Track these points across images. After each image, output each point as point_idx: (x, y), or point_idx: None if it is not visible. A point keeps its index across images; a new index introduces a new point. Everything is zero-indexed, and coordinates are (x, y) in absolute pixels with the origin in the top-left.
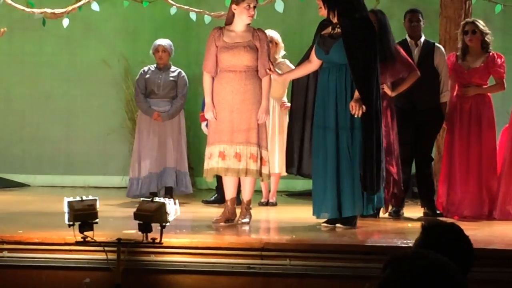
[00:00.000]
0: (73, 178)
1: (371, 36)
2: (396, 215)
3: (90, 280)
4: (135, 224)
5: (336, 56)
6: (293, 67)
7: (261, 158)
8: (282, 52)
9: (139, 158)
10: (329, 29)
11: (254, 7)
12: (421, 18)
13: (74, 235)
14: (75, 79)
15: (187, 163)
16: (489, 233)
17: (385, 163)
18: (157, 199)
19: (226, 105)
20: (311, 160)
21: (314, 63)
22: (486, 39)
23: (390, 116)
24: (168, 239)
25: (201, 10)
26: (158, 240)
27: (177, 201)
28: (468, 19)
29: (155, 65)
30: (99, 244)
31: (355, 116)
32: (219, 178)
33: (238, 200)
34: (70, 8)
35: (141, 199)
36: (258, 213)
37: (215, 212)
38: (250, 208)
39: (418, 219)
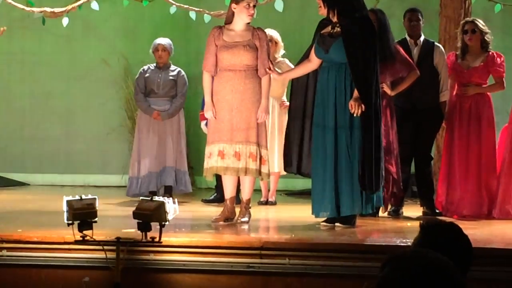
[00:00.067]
0: (73, 177)
1: (371, 36)
2: (396, 214)
3: (89, 279)
4: (135, 223)
5: (335, 55)
6: (292, 66)
7: (261, 157)
8: (282, 51)
9: (138, 157)
10: (329, 28)
11: (254, 6)
12: (420, 18)
13: (73, 234)
14: (75, 78)
15: (187, 162)
16: (488, 232)
17: (385, 162)
18: (156, 198)
19: (226, 104)
20: (311, 159)
21: (313, 62)
22: (485, 38)
23: (389, 115)
24: (168, 238)
25: (201, 9)
26: (157, 239)
27: (176, 200)
28: (467, 19)
29: (154, 64)
30: (98, 243)
31: (354, 115)
32: (218, 177)
33: (237, 199)
34: (69, 7)
35: (141, 198)
36: (258, 212)
37: (214, 211)
38: (250, 207)
39: (417, 218)
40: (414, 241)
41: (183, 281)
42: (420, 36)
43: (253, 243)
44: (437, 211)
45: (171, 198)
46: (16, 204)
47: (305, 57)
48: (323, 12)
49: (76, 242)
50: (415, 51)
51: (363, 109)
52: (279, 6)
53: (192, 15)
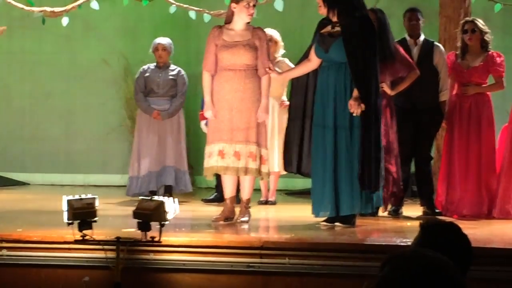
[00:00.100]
0: (73, 177)
1: (370, 35)
2: (395, 214)
3: (89, 278)
4: (134, 222)
5: (335, 55)
6: (292, 66)
7: (261, 157)
8: (282, 51)
9: (138, 157)
10: (329, 28)
11: (254, 5)
12: (420, 17)
13: (73, 233)
14: (75, 77)
15: (187, 162)
16: (488, 232)
17: (385, 162)
18: (156, 197)
19: (226, 103)
20: (311, 159)
21: (313, 62)
22: (485, 38)
23: (389, 115)
24: (167, 238)
25: (201, 9)
26: (157, 239)
27: (176, 199)
28: (467, 18)
29: (154, 64)
30: (98, 242)
31: (354, 114)
32: (218, 177)
33: (237, 198)
34: (69, 6)
35: (140, 197)
36: (258, 211)
37: (214, 210)
38: (250, 207)
39: (417, 218)
40: (414, 240)
41: (183, 281)
42: (420, 35)
43: (253, 242)
44: (437, 210)
45: (171, 198)
46: (16, 203)
47: (305, 56)
48: (323, 11)
49: (76, 241)
50: (415, 51)
51: (363, 109)
52: (279, 5)
53: (192, 14)
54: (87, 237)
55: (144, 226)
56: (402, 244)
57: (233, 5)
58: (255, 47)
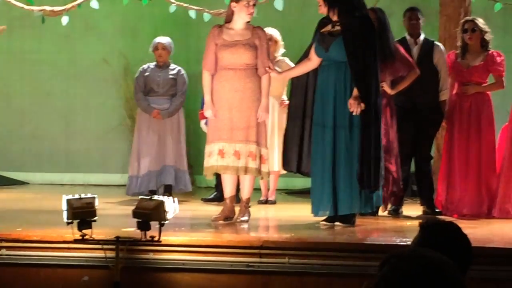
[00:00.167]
0: (73, 176)
1: (371, 34)
2: (395, 213)
3: (89, 278)
4: (134, 222)
5: (335, 54)
6: (292, 65)
7: (261, 156)
8: (282, 50)
9: (138, 156)
10: (329, 27)
11: (254, 5)
12: (420, 16)
13: (72, 233)
14: (75, 77)
15: (187, 161)
16: (488, 232)
17: (384, 161)
18: (156, 197)
19: (226, 103)
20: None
21: (313, 61)
22: (485, 37)
23: (389, 114)
24: (167, 237)
25: (201, 8)
26: (156, 238)
27: (176, 199)
28: (467, 17)
29: (154, 63)
30: (97, 242)
31: (354, 114)
32: (218, 176)
33: (237, 198)
34: (69, 5)
35: (140, 197)
36: (257, 211)
37: (214, 210)
38: (249, 206)
39: (417, 218)
40: (414, 240)
41: (182, 280)
42: (420, 35)
43: (252, 242)
44: (437, 210)
45: (170, 197)
46: (15, 203)
47: (305, 56)
48: (323, 10)
49: (76, 241)
50: (415, 50)
51: (363, 108)
52: (279, 5)
53: (192, 13)
54: (86, 237)
55: (143, 226)
56: (402, 243)
57: (233, 4)
58: (255, 46)
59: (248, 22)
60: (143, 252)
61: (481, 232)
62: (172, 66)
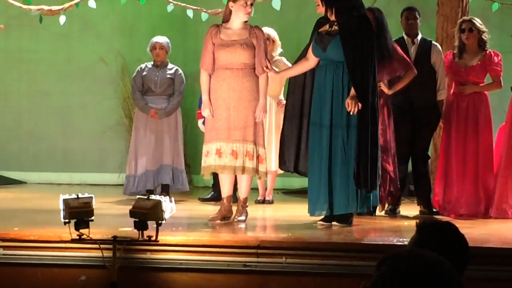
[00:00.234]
0: (70, 176)
1: (368, 34)
2: (393, 213)
3: (86, 277)
4: (131, 221)
5: (333, 54)
6: (290, 65)
7: (258, 156)
8: (279, 50)
9: (135, 156)
10: (327, 27)
11: (251, 4)
12: (418, 16)
13: (69, 232)
14: (72, 76)
15: (184, 161)
16: (485, 231)
17: (382, 161)
18: (153, 196)
19: (223, 102)
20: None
21: (311, 61)
22: (483, 37)
23: (387, 114)
24: (164, 237)
25: (198, 8)
26: (154, 238)
27: (173, 198)
28: (465, 17)
29: (152, 63)
30: (94, 241)
31: (351, 113)
32: (215, 176)
33: (234, 197)
34: (67, 5)
35: (137, 196)
36: (255, 211)
37: (211, 210)
38: (247, 206)
39: (414, 217)
40: (411, 240)
41: (179, 280)
42: (417, 34)
43: (250, 242)
44: (434, 210)
45: (168, 197)
46: (12, 202)
47: (303, 55)
48: (321, 10)
49: (73, 240)
50: (412, 50)
51: (360, 108)
52: (276, 4)
53: (190, 13)
54: (83, 236)
55: (141, 225)
56: (399, 243)
57: (231, 3)
58: (252, 46)
59: (246, 21)
60: (140, 251)
61: (478, 232)
62: (170, 65)
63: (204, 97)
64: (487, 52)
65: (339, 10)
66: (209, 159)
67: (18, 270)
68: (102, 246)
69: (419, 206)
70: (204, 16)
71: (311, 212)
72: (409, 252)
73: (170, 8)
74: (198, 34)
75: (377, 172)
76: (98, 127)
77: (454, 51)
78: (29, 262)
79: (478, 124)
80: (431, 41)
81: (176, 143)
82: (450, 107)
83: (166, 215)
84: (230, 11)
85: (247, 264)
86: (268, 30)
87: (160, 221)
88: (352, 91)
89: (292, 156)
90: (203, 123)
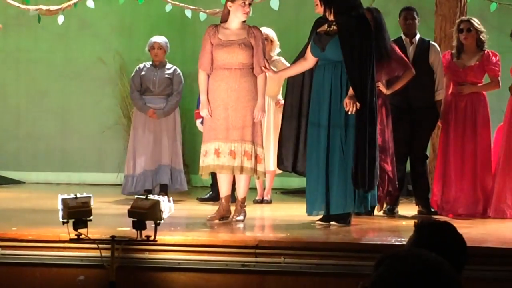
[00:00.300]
0: (68, 175)
1: (367, 34)
2: (391, 213)
3: (84, 277)
4: (130, 221)
5: (331, 53)
6: (288, 64)
7: (256, 156)
8: (278, 50)
9: (134, 155)
10: (325, 27)
11: (250, 4)
12: (416, 16)
13: (68, 232)
14: (71, 76)
15: (182, 161)
16: (483, 231)
17: (380, 161)
18: (151, 196)
19: (221, 102)
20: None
21: (309, 61)
22: (481, 37)
23: (385, 114)
24: (163, 237)
25: (197, 8)
26: (152, 238)
27: (171, 198)
28: (463, 17)
29: (150, 62)
30: (93, 241)
31: (349, 113)
32: (214, 176)
33: (233, 197)
34: (65, 5)
35: (136, 196)
36: (253, 210)
37: (209, 209)
38: (245, 206)
39: (413, 217)
40: (409, 240)
41: (178, 280)
42: (415, 34)
43: (248, 241)
44: (432, 210)
45: (166, 197)
46: (11, 202)
47: (301, 55)
48: (320, 10)
49: (71, 240)
50: (411, 50)
51: (358, 107)
52: (274, 4)
53: (188, 13)
54: (82, 236)
55: (139, 225)
56: (397, 243)
57: (229, 3)
58: (250, 46)
59: (244, 21)
60: (138, 251)
61: (476, 232)
62: (168, 65)
63: (203, 97)
64: (485, 52)
65: (338, 10)
66: (208, 159)
67: (17, 270)
68: (100, 246)
69: (417, 206)
70: (203, 16)
71: (309, 212)
72: (407, 252)
73: (168, 8)
74: (196, 34)
75: (375, 172)
76: (96, 127)
77: (452, 51)
78: (27, 262)
79: (476, 124)
80: (429, 41)
81: (174, 143)
82: (448, 107)
83: (165, 215)
84: (228, 11)
85: (245, 264)
86: (267, 30)
87: (158, 221)
88: (351, 91)
89: (290, 156)
90: (202, 123)
